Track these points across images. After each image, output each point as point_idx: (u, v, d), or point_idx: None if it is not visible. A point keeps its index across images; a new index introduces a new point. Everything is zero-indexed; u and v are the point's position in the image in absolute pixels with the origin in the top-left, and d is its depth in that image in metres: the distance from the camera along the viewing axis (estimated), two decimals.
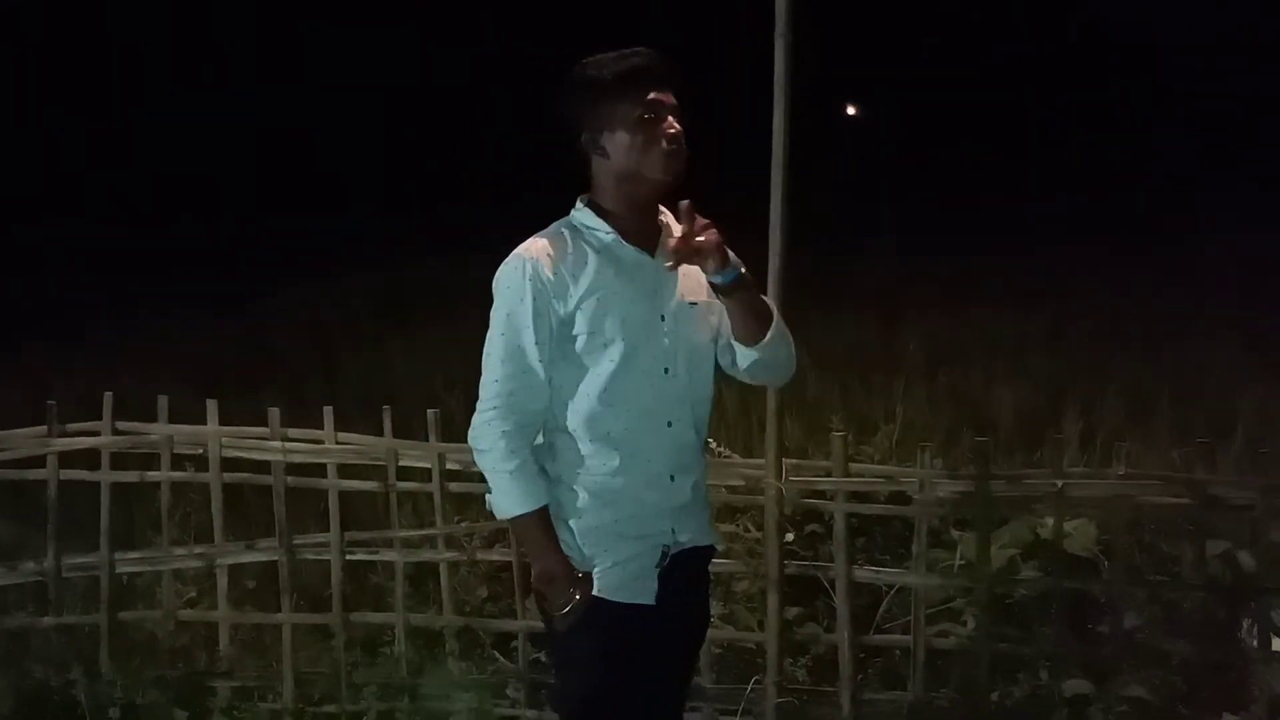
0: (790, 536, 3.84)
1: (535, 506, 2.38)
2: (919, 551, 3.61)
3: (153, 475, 3.95)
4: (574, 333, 2.37)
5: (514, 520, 2.42)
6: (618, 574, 2.41)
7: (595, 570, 2.40)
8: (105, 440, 3.91)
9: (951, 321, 8.61)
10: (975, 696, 3.56)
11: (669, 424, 2.45)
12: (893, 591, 3.95)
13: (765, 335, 2.44)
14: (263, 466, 3.89)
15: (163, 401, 3.91)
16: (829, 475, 3.60)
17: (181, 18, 23.15)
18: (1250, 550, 3.52)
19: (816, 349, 6.82)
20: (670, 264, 2.34)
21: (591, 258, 2.39)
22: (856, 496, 3.65)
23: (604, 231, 2.42)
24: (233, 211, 16.05)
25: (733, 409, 5.89)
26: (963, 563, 3.84)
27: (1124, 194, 14.49)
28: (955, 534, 3.98)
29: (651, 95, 2.36)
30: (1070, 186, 15.34)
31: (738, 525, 4.08)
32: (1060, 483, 3.51)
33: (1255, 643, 3.48)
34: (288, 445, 3.84)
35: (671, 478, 2.46)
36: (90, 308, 9.74)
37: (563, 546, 2.41)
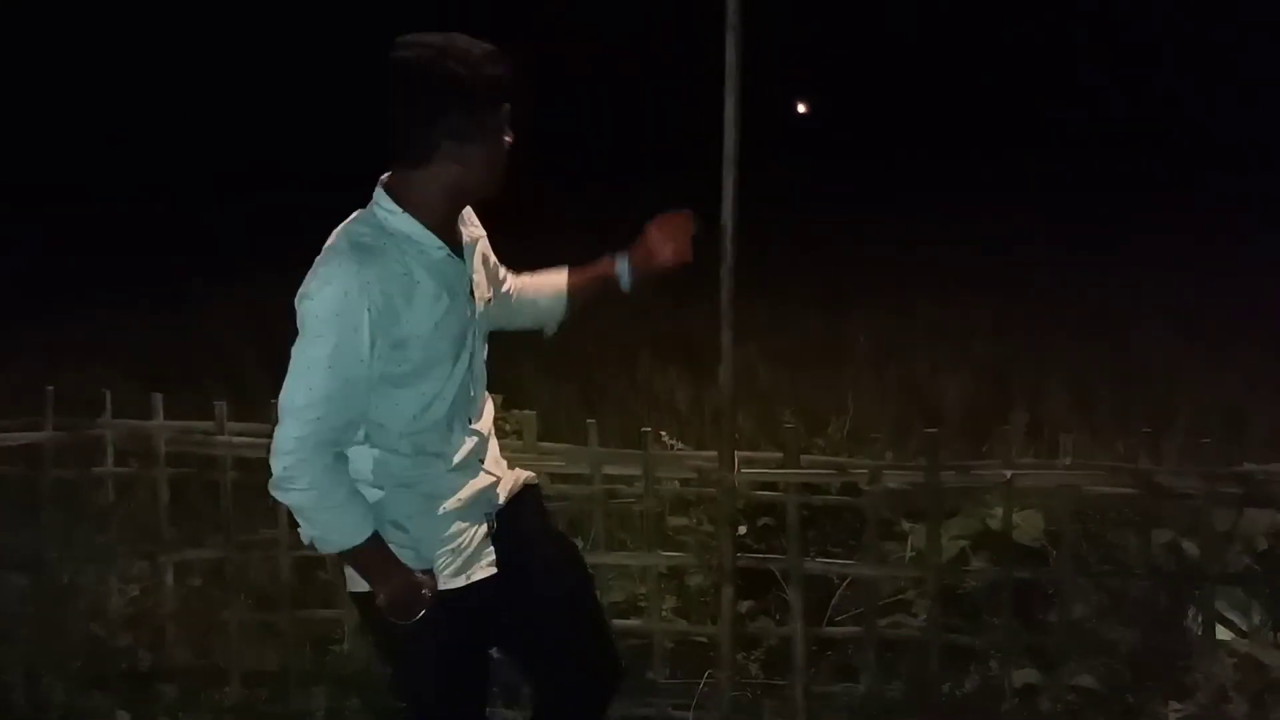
0: (743, 529, 3.85)
1: (372, 528, 2.28)
2: (869, 543, 3.63)
3: (96, 471, 3.87)
4: (406, 356, 2.24)
5: (355, 550, 2.28)
6: (456, 560, 2.38)
7: (437, 564, 2.36)
8: (47, 436, 3.83)
9: (900, 314, 8.68)
10: (926, 688, 3.59)
11: (469, 419, 2.43)
12: (844, 584, 3.97)
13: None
14: (210, 462, 3.83)
15: (107, 396, 3.85)
16: (780, 467, 3.61)
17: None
18: (1194, 538, 3.57)
19: (767, 341, 6.85)
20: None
21: (422, 277, 2.24)
22: (808, 488, 3.66)
23: (435, 247, 2.28)
24: (176, 197, 15.73)
25: (685, 402, 5.91)
26: (913, 554, 3.87)
27: (1069, 191, 14.68)
28: (906, 525, 4.01)
29: (508, 104, 2.27)
30: (1015, 183, 15.51)
31: (690, 518, 4.09)
32: (1009, 473, 3.54)
33: (1199, 631, 3.53)
34: (234, 440, 3.79)
35: (480, 460, 2.46)
36: (24, 297, 9.49)
37: (398, 553, 2.33)
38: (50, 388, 3.84)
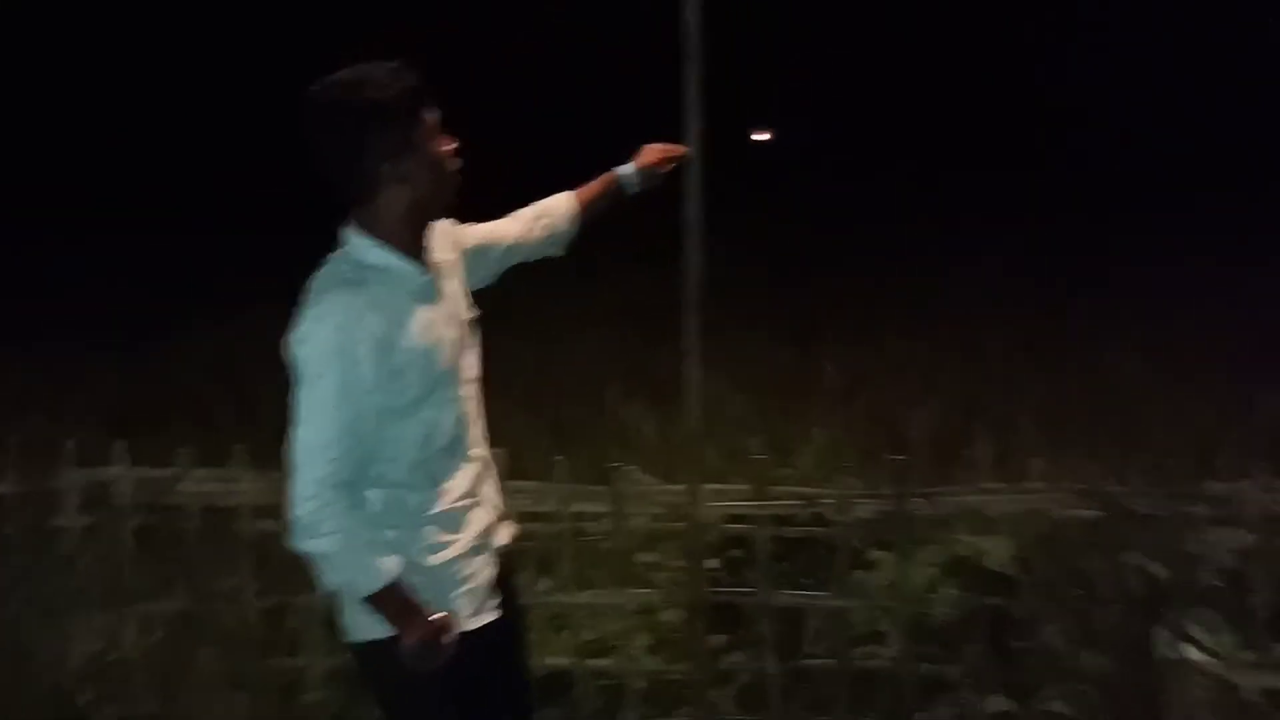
0: (713, 563, 3.83)
1: (399, 569, 2.24)
2: (839, 573, 3.62)
3: (59, 523, 3.82)
4: (406, 384, 2.23)
5: (383, 592, 2.23)
6: (474, 600, 2.37)
7: (456, 605, 2.34)
8: (7, 489, 3.78)
9: (868, 342, 8.70)
10: (900, 718, 3.58)
11: (468, 448, 2.43)
12: (817, 616, 3.95)
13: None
14: (176, 508, 3.78)
15: (70, 446, 3.80)
16: (749, 499, 3.61)
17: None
18: (1162, 560, 3.59)
19: (735, 372, 6.84)
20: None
21: (408, 306, 2.26)
22: (778, 520, 3.65)
23: (416, 274, 2.30)
24: (138, 234, 15.53)
25: (651, 434, 5.88)
26: (884, 583, 3.86)
27: (1032, 218, 14.81)
28: (876, 554, 4.01)
29: (433, 111, 2.29)
30: (978, 211, 15.63)
31: (660, 554, 4.07)
32: (978, 499, 3.55)
33: (1170, 653, 3.54)
34: (199, 489, 3.74)
35: (482, 491, 2.45)
36: None
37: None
38: (11, 438, 3.80)
